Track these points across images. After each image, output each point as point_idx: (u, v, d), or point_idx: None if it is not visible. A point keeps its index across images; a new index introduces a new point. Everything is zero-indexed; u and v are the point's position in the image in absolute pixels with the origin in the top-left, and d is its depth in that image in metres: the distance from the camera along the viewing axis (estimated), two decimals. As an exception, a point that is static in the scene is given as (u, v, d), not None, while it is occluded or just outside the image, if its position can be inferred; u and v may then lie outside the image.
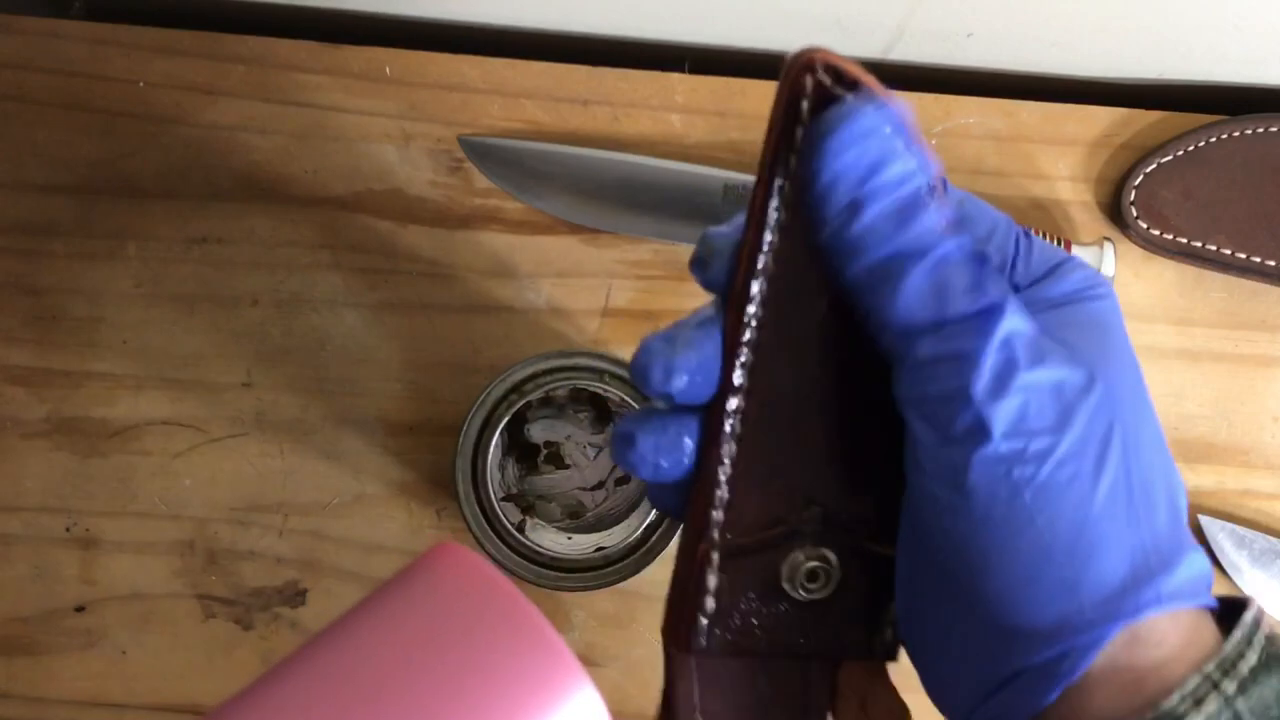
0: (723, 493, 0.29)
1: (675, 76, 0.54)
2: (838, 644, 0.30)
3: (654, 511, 0.47)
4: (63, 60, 0.54)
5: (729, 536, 0.29)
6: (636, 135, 0.54)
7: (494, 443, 0.47)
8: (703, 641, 0.30)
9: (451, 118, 0.54)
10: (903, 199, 0.27)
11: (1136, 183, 0.53)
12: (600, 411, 0.52)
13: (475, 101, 0.54)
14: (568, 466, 0.52)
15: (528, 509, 0.51)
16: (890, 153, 0.26)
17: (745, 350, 0.29)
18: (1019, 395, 0.25)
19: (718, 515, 0.29)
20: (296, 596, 0.52)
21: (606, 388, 0.47)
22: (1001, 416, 0.25)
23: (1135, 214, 0.53)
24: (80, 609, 0.52)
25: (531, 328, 0.53)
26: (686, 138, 0.54)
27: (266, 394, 0.52)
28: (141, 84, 0.54)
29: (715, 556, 0.30)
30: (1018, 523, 0.25)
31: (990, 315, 0.26)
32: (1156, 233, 0.52)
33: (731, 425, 0.29)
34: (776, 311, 0.28)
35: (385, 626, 0.25)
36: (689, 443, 0.29)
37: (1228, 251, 0.52)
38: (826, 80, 0.26)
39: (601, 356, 0.47)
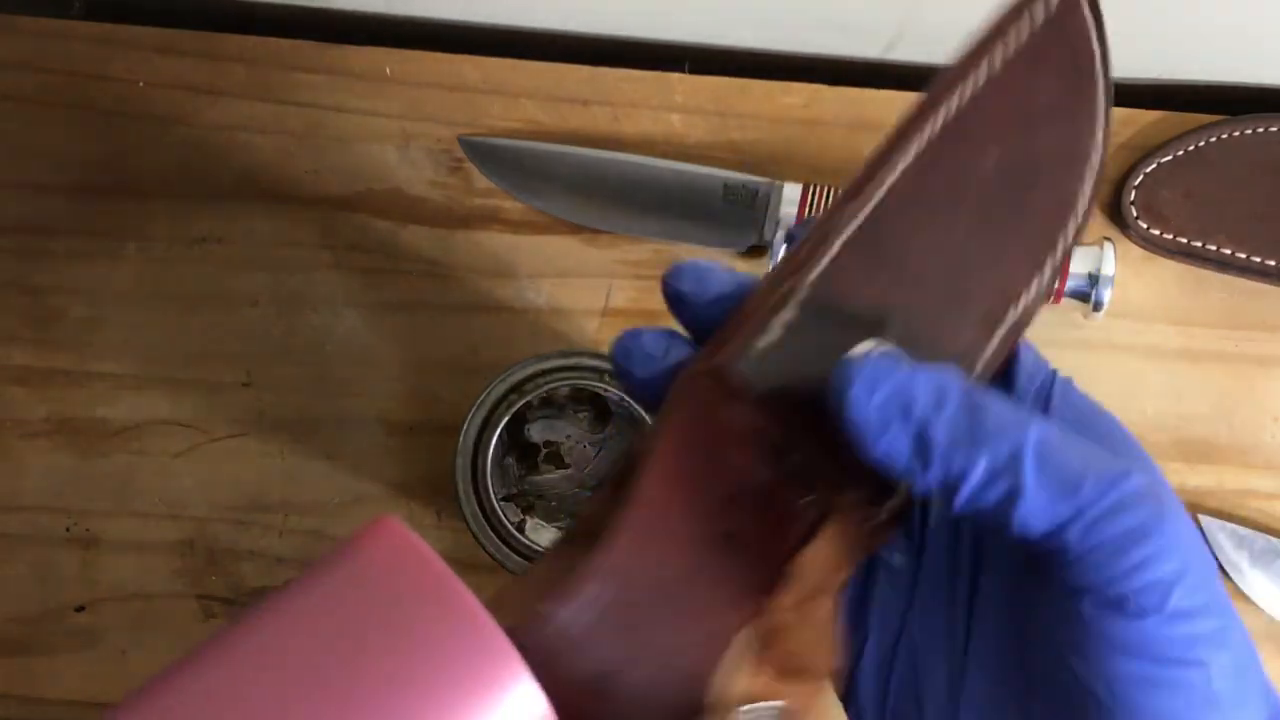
0: (833, 250, 0.28)
1: (675, 76, 0.54)
2: (851, 476, 0.27)
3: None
4: (63, 60, 0.54)
5: (823, 289, 0.28)
6: (637, 135, 0.54)
7: (494, 442, 0.47)
8: (742, 364, 0.28)
9: (452, 118, 0.54)
10: (954, 413, 0.25)
11: (1137, 182, 0.53)
12: (600, 411, 0.52)
13: (475, 101, 0.54)
14: (568, 466, 0.52)
15: (528, 508, 0.51)
16: (909, 381, 0.25)
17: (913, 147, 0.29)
18: (1177, 556, 0.25)
19: (823, 263, 0.28)
20: (296, 596, 0.52)
21: (606, 387, 0.47)
22: (1169, 582, 0.24)
23: (1135, 214, 0.53)
24: (80, 609, 0.52)
25: (531, 328, 0.53)
26: (687, 138, 0.54)
27: (266, 394, 0.52)
28: (141, 84, 0.54)
29: (800, 297, 0.28)
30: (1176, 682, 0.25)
31: (1120, 482, 0.25)
32: (1157, 232, 0.52)
33: (870, 200, 0.28)
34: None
35: (309, 608, 0.24)
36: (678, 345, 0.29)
37: (1228, 251, 0.52)
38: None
39: (602, 356, 0.47)
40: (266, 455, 0.52)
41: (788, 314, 0.28)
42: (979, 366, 0.28)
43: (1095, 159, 0.29)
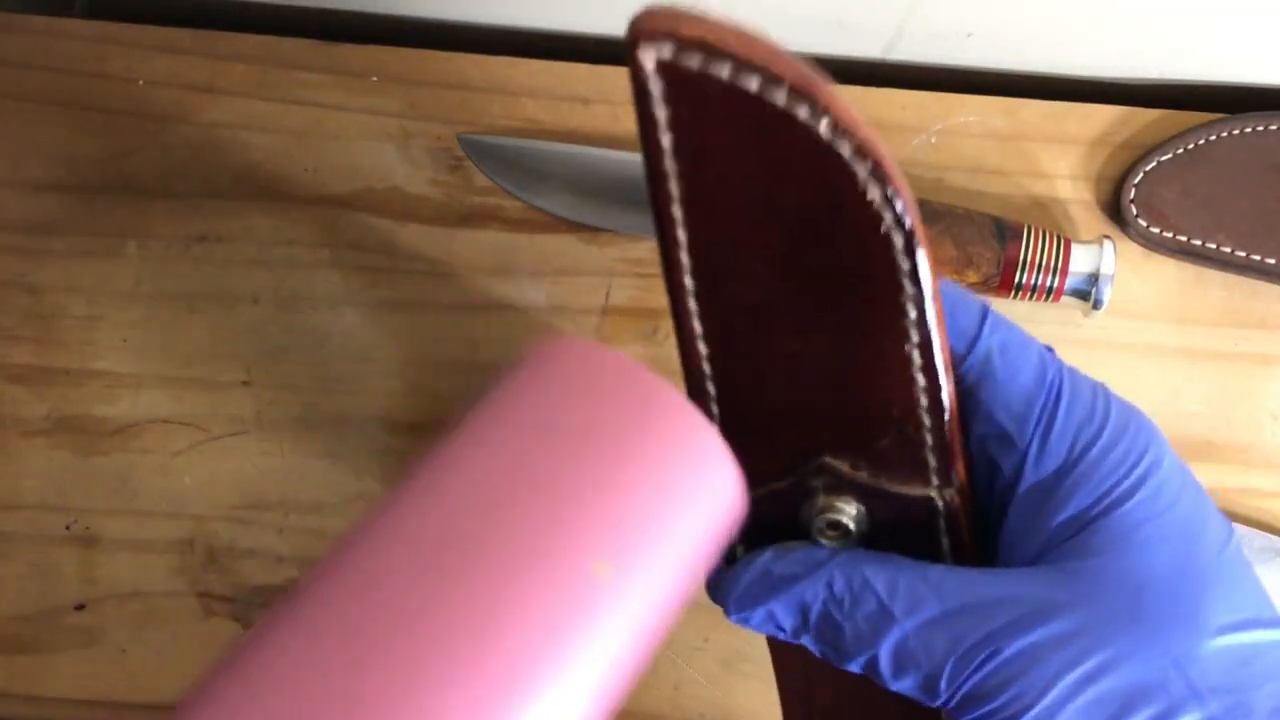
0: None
1: (675, 75, 0.54)
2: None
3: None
4: (62, 58, 0.54)
5: (749, 488, 0.28)
6: (636, 133, 0.54)
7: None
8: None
9: (451, 116, 0.54)
10: (816, 628, 0.28)
11: (1136, 181, 0.53)
12: (600, 410, 0.52)
13: (475, 100, 0.54)
14: (568, 465, 0.52)
15: (528, 507, 0.51)
16: (771, 611, 0.29)
17: (698, 320, 0.27)
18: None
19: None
20: (296, 595, 0.52)
21: (607, 386, 0.47)
22: None
23: (1135, 212, 0.53)
24: (80, 607, 0.51)
25: (531, 326, 0.53)
26: (686, 136, 0.54)
27: (266, 392, 0.52)
28: (141, 82, 0.54)
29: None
30: None
31: (978, 665, 0.27)
32: (1156, 231, 0.52)
33: (712, 390, 0.28)
34: (712, 276, 0.27)
35: (515, 425, 0.24)
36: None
37: (1228, 249, 0.52)
38: (666, 55, 0.23)
39: (602, 354, 0.47)
40: (266, 454, 0.52)
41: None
42: (944, 424, 0.27)
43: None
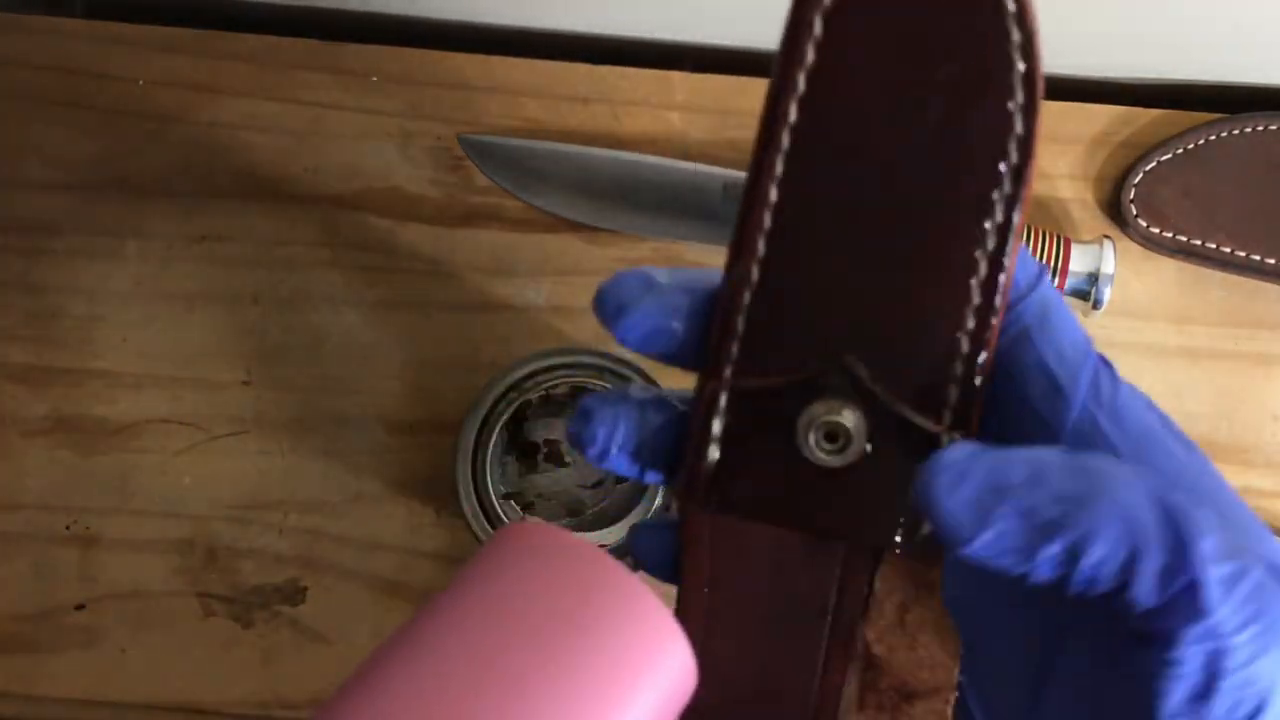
0: (740, 324, 0.26)
1: (675, 75, 0.54)
2: (864, 527, 0.26)
3: (653, 509, 0.47)
4: (63, 58, 0.54)
5: (742, 376, 0.26)
6: (636, 133, 0.54)
7: (494, 441, 0.47)
8: (703, 494, 0.27)
9: (451, 116, 0.54)
10: (1060, 484, 0.23)
11: (1136, 181, 0.53)
12: (600, 409, 0.52)
13: (475, 100, 0.54)
14: (568, 465, 0.52)
15: (527, 507, 0.51)
16: (1000, 464, 0.23)
17: (779, 159, 0.26)
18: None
19: (732, 349, 0.26)
20: (296, 594, 0.52)
21: (607, 386, 0.47)
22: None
23: (1135, 212, 0.53)
24: (80, 607, 0.51)
25: (531, 326, 0.53)
26: (687, 136, 0.54)
27: (266, 392, 0.52)
28: (141, 82, 0.54)
29: (723, 398, 0.27)
30: None
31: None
32: (1156, 231, 0.52)
33: (761, 244, 0.26)
34: (811, 139, 0.26)
35: (477, 609, 0.25)
36: (641, 437, 0.27)
37: (1228, 249, 0.52)
38: None
39: (601, 354, 0.47)
40: (266, 454, 0.52)
41: (717, 425, 0.27)
42: (977, 367, 0.26)
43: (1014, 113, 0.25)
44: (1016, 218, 0.25)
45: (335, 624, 0.52)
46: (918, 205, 0.26)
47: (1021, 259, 0.27)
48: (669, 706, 0.25)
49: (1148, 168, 0.53)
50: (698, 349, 0.27)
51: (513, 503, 0.50)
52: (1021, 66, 0.25)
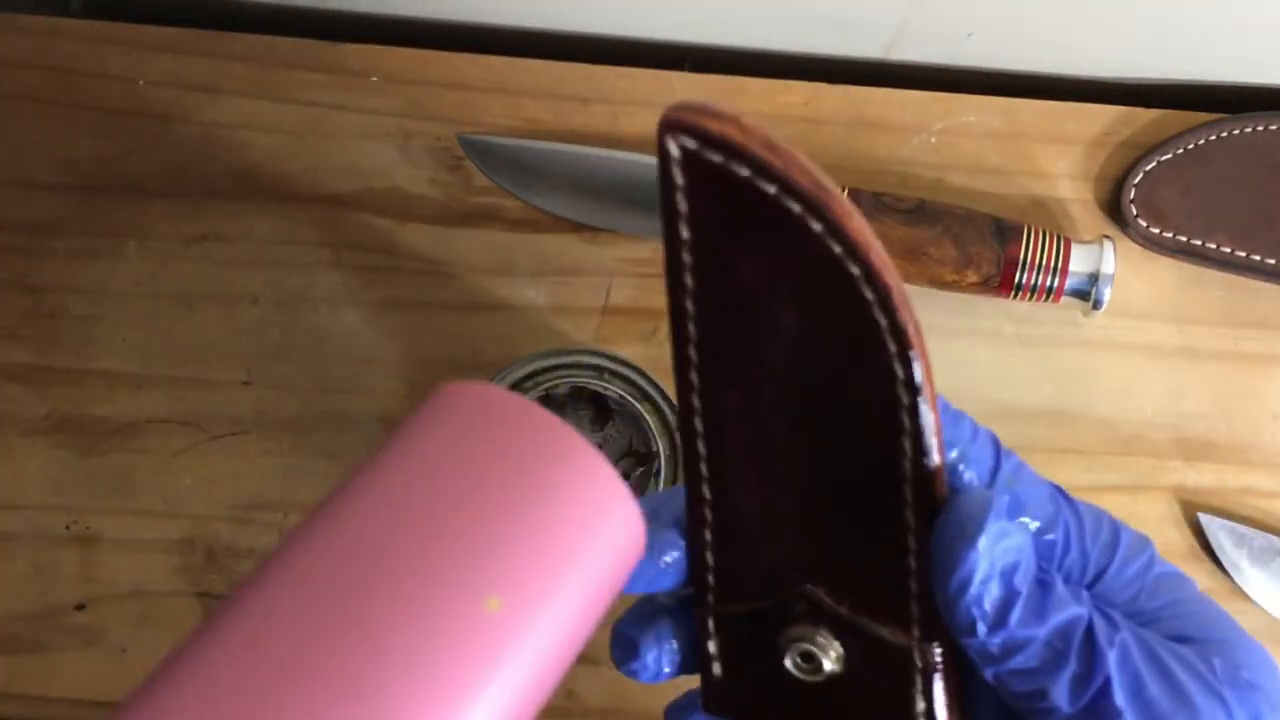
0: (710, 558, 0.28)
1: (675, 75, 0.54)
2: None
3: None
4: (63, 58, 0.54)
5: (722, 603, 0.28)
6: (636, 133, 0.54)
7: (494, 441, 0.47)
8: (717, 706, 0.29)
9: (451, 116, 0.54)
10: (1031, 587, 0.26)
11: (1136, 181, 0.53)
12: (600, 409, 0.52)
13: (475, 100, 0.54)
14: (568, 465, 0.52)
15: (528, 507, 0.51)
16: (1023, 547, 0.26)
17: (699, 419, 0.27)
18: None
19: (709, 579, 0.28)
20: (296, 594, 0.52)
21: (606, 385, 0.47)
22: None
23: (1135, 212, 0.53)
24: (80, 607, 0.52)
25: (531, 326, 0.53)
26: (686, 136, 0.54)
27: (266, 392, 0.52)
28: (141, 82, 0.54)
29: (710, 622, 0.29)
30: None
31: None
32: (1156, 231, 0.52)
33: (706, 490, 0.28)
34: (718, 376, 0.26)
35: (412, 462, 0.24)
36: (688, 648, 0.29)
37: (1228, 249, 0.52)
38: (691, 145, 0.24)
39: (601, 354, 0.47)
40: (266, 453, 0.52)
41: (713, 645, 0.29)
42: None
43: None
44: (924, 449, 0.26)
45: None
46: (834, 455, 0.26)
47: (978, 441, 0.28)
48: (618, 566, 0.25)
49: (1148, 168, 0.53)
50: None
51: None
52: (883, 321, 0.25)
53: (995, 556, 0.25)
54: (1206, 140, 0.53)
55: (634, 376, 0.47)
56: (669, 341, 0.27)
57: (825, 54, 0.56)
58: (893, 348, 0.25)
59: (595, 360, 0.47)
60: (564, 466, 0.24)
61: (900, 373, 0.25)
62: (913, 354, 0.25)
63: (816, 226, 0.24)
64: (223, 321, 0.53)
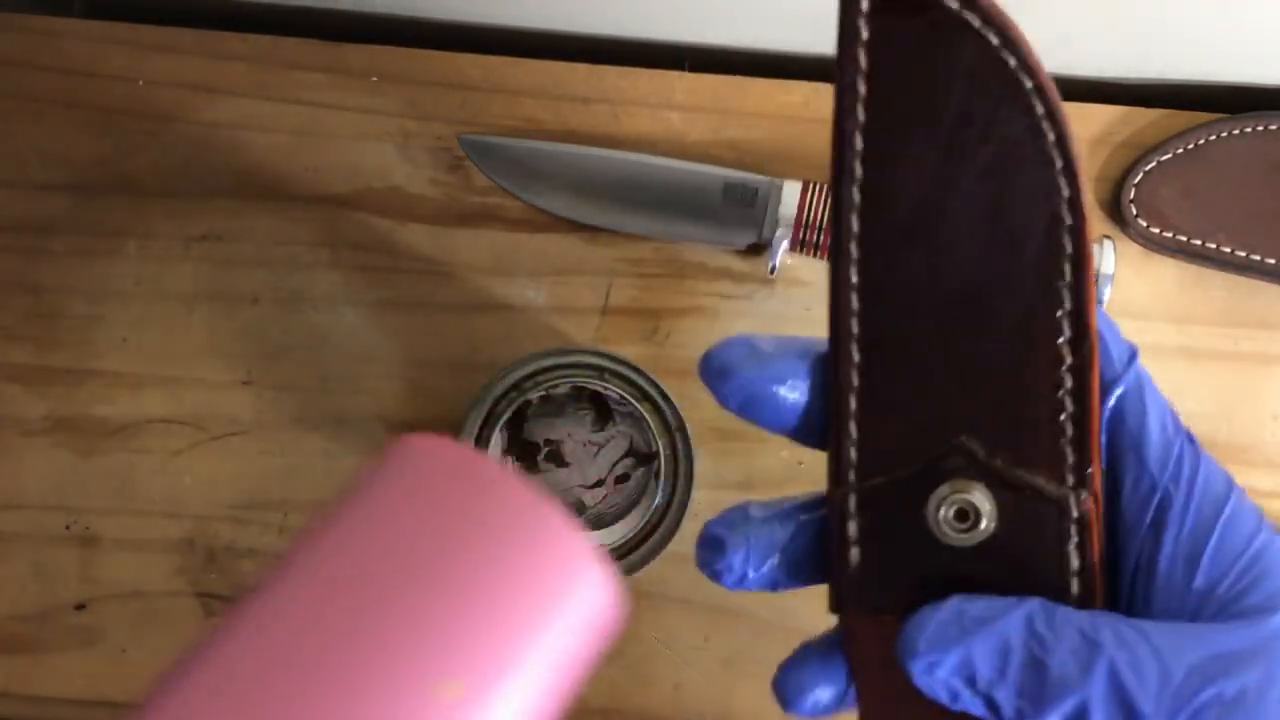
0: (853, 429, 0.27)
1: (675, 75, 0.54)
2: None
3: (654, 509, 0.47)
4: (62, 58, 0.54)
5: (865, 478, 0.27)
6: (636, 133, 0.54)
7: (494, 441, 0.47)
8: (854, 599, 0.28)
9: (451, 116, 0.54)
10: (1017, 675, 0.25)
11: (1136, 181, 0.53)
12: (600, 409, 0.52)
13: (475, 100, 0.54)
14: (568, 464, 0.52)
15: (528, 507, 0.51)
16: (969, 652, 0.25)
17: (852, 268, 0.26)
18: None
19: (850, 453, 0.27)
20: (296, 594, 0.52)
21: (606, 385, 0.47)
22: None
23: (1135, 212, 0.53)
24: (80, 607, 0.51)
25: (531, 326, 0.53)
26: (686, 136, 0.54)
27: (266, 392, 0.52)
28: (141, 82, 0.54)
29: (852, 501, 0.28)
30: None
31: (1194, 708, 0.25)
32: (1156, 231, 0.52)
33: (855, 352, 0.27)
34: (881, 224, 0.26)
35: (366, 530, 0.23)
36: (777, 555, 0.28)
37: (1228, 249, 0.52)
38: None
39: (601, 354, 0.47)
40: (266, 453, 0.52)
41: (853, 528, 0.28)
42: (1088, 423, 0.27)
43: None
44: (1085, 274, 0.26)
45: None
46: (991, 282, 0.26)
47: (1112, 336, 0.29)
48: (589, 638, 0.24)
49: (1148, 168, 0.53)
50: (803, 422, 0.28)
51: (513, 503, 0.50)
52: (1052, 135, 0.26)
53: (943, 680, 0.26)
54: (1206, 140, 0.53)
55: (634, 376, 0.47)
56: (830, 178, 0.27)
57: (825, 54, 0.56)
58: (1059, 163, 0.25)
59: (595, 360, 0.47)
60: (529, 534, 0.23)
61: (1066, 190, 0.25)
62: (1078, 170, 0.25)
63: (994, 39, 0.25)
64: (223, 321, 0.53)
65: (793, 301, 0.53)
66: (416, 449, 0.24)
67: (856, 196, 0.26)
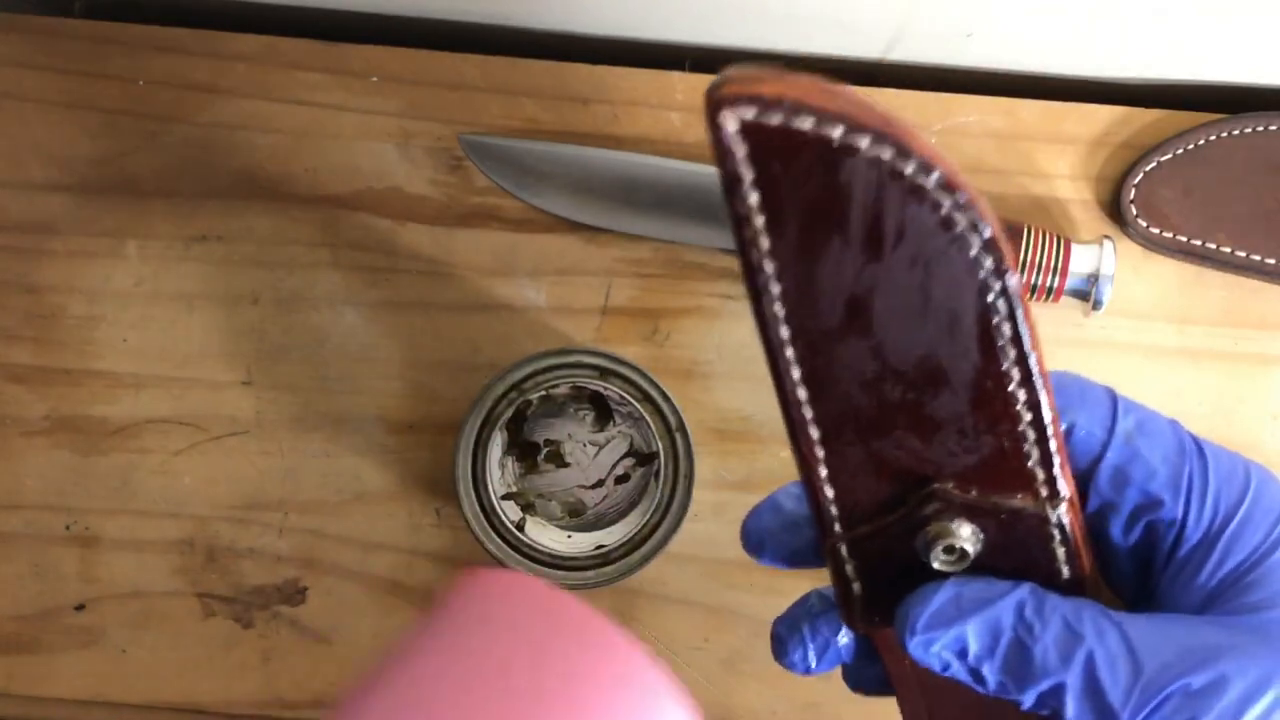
0: (828, 492, 0.29)
1: (675, 75, 0.54)
2: None
3: (654, 509, 0.47)
4: (63, 58, 0.54)
5: (851, 529, 0.29)
6: (636, 134, 0.54)
7: (494, 441, 0.47)
8: (864, 621, 0.30)
9: (451, 116, 0.54)
10: (1004, 654, 0.28)
11: (1136, 181, 0.53)
12: (600, 409, 0.52)
13: (475, 100, 0.54)
14: (568, 465, 0.52)
15: (528, 507, 0.51)
16: (962, 632, 0.28)
17: (796, 366, 0.28)
18: None
19: (832, 512, 0.29)
20: (297, 595, 0.52)
21: (606, 386, 0.47)
22: None
23: (1135, 212, 0.53)
24: (80, 607, 0.51)
25: (531, 326, 0.53)
26: (686, 136, 0.54)
27: (266, 392, 0.52)
28: (141, 82, 0.54)
29: (843, 548, 0.30)
30: None
31: (1163, 699, 0.27)
32: (1156, 231, 0.52)
33: (813, 430, 0.28)
34: (807, 324, 0.27)
35: (454, 665, 0.23)
36: (839, 640, 0.32)
37: (1228, 249, 0.52)
38: (749, 115, 0.25)
39: (601, 354, 0.47)
40: (266, 454, 0.52)
41: (849, 569, 0.30)
42: (1048, 442, 0.28)
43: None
44: (1023, 327, 0.27)
45: (335, 624, 0.52)
46: (934, 353, 0.27)
47: (1088, 398, 0.31)
48: None
49: (1148, 168, 0.53)
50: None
51: (513, 502, 0.51)
52: (963, 222, 0.26)
53: (937, 654, 0.29)
54: (1206, 140, 0.53)
55: (634, 376, 0.47)
56: (752, 316, 0.27)
57: (825, 54, 0.56)
58: (977, 244, 0.26)
59: (596, 360, 0.47)
60: (611, 671, 0.24)
61: (989, 262, 0.26)
62: (997, 238, 0.26)
63: (887, 154, 0.25)
64: (222, 321, 0.53)
65: (793, 302, 0.53)
66: (498, 584, 0.25)
67: (780, 311, 0.27)
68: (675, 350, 0.53)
